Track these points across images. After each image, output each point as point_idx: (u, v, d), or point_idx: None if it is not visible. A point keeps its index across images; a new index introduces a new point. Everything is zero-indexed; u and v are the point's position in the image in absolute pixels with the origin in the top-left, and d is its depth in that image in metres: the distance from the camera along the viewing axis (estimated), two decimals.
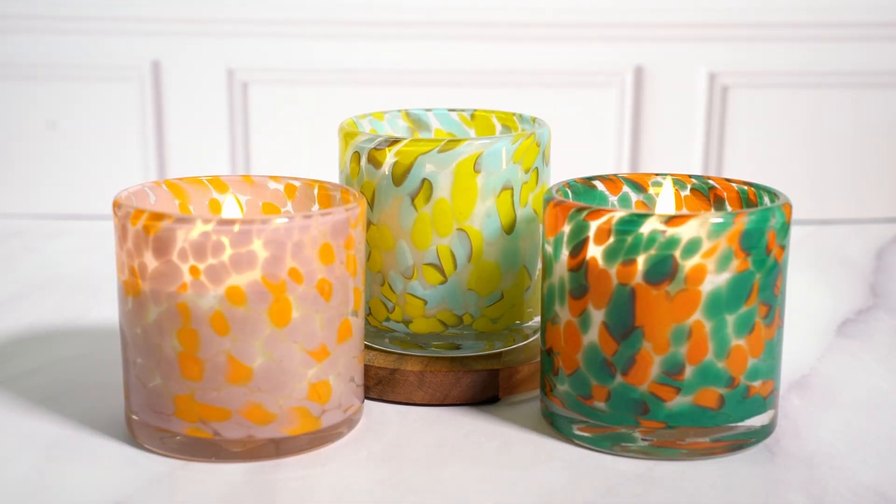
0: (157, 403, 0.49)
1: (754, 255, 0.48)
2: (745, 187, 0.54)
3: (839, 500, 0.46)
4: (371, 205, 0.56)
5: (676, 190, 0.56)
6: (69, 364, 0.60)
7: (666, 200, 0.55)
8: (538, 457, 0.50)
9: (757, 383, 0.50)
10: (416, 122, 0.65)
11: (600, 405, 0.49)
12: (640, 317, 0.48)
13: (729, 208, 0.55)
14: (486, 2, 0.90)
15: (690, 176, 0.56)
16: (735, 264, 0.48)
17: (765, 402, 0.50)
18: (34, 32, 0.89)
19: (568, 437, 0.51)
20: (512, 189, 0.57)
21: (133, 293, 0.48)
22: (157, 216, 0.47)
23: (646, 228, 0.47)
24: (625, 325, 0.48)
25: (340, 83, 0.91)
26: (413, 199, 0.55)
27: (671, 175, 0.56)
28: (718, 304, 0.48)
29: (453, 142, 0.56)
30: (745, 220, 0.48)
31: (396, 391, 0.55)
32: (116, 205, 0.49)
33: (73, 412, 0.54)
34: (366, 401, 0.55)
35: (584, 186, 0.55)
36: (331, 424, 0.50)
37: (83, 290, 0.72)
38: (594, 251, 0.49)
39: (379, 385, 0.55)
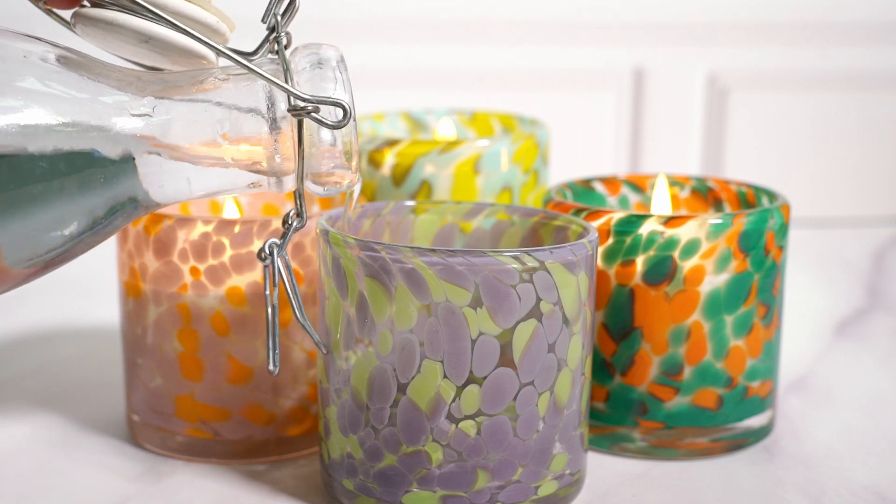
0: (158, 403, 0.49)
1: (753, 256, 0.48)
2: (744, 188, 0.54)
3: (837, 500, 0.46)
4: None
5: (673, 190, 0.56)
6: (69, 364, 0.60)
7: (660, 198, 0.55)
8: None
9: (755, 384, 0.50)
10: (416, 123, 0.65)
11: (599, 405, 0.50)
12: (638, 317, 0.48)
13: (728, 209, 0.55)
14: (486, 2, 0.90)
15: (689, 177, 0.56)
16: (734, 265, 0.48)
17: (763, 402, 0.51)
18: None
19: None
20: (511, 190, 0.57)
21: (134, 294, 0.49)
22: (158, 217, 0.47)
23: (644, 229, 0.48)
24: (624, 326, 0.49)
25: None
26: None
27: (665, 174, 0.56)
28: (717, 305, 0.48)
29: (453, 143, 0.56)
30: (743, 221, 0.48)
31: None
32: None
33: (73, 412, 0.54)
34: None
35: (583, 187, 0.55)
36: None
37: (83, 291, 0.72)
38: None
39: None
